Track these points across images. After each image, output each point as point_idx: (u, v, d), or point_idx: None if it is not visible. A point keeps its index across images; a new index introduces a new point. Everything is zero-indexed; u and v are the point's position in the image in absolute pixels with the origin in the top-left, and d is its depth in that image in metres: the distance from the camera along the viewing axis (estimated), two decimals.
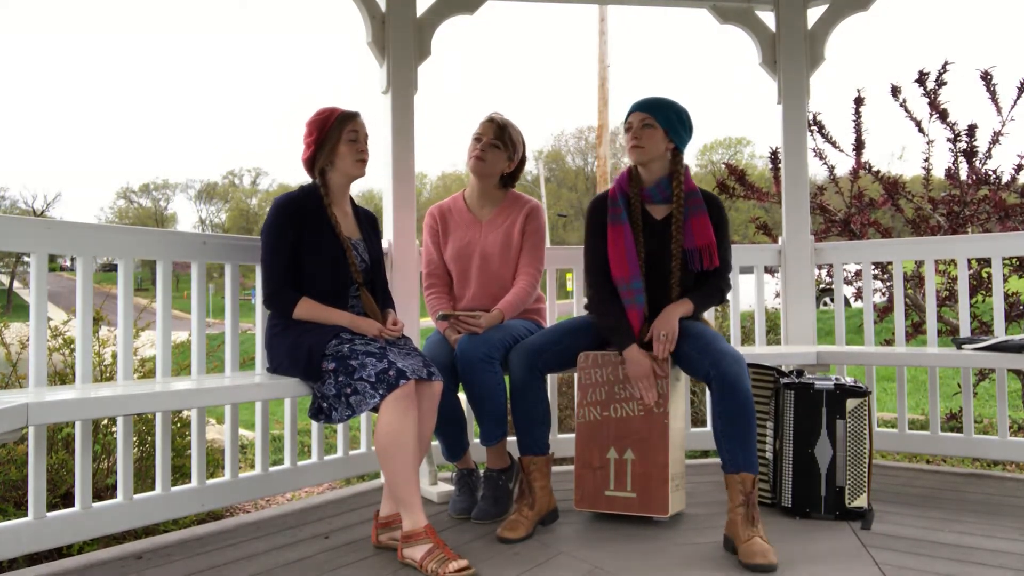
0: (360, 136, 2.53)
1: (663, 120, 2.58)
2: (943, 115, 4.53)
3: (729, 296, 3.74)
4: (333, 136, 2.49)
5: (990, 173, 4.53)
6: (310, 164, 2.55)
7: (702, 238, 2.57)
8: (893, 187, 4.73)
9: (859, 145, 4.80)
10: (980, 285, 4.31)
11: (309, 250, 2.46)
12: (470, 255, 2.91)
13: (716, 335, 2.52)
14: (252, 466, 2.87)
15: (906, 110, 4.66)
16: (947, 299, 4.48)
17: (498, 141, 2.86)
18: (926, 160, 4.74)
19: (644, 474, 2.56)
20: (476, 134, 2.89)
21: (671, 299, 2.58)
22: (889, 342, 3.87)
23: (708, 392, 2.50)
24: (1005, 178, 4.52)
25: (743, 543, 2.24)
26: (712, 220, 2.61)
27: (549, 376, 2.98)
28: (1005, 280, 4.08)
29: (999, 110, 4.44)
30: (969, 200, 4.51)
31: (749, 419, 2.36)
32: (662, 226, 2.63)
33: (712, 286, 2.63)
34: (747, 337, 4.44)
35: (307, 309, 2.44)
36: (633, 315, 2.56)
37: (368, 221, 2.71)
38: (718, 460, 2.42)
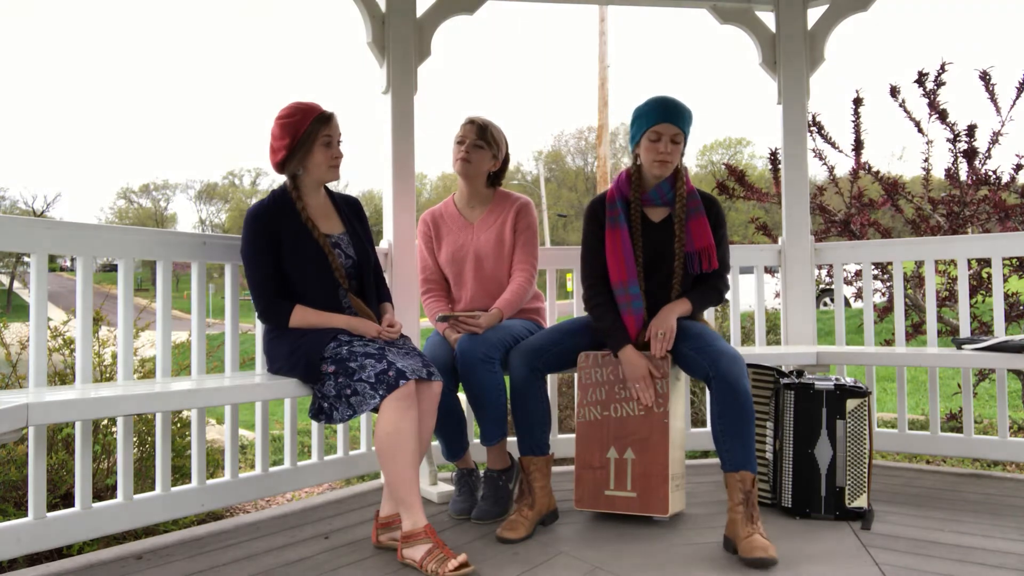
0: (334, 140, 2.45)
1: (687, 134, 2.57)
2: (942, 115, 4.53)
3: (729, 296, 3.75)
4: (307, 141, 2.41)
5: (990, 173, 4.53)
6: (280, 167, 2.47)
7: (701, 240, 2.57)
8: (893, 187, 4.73)
9: (858, 145, 4.80)
10: (980, 285, 4.31)
11: (290, 257, 2.43)
12: (464, 257, 2.91)
13: (714, 335, 2.52)
14: (252, 466, 2.87)
15: (905, 110, 4.66)
16: (947, 299, 4.48)
17: (481, 141, 2.86)
18: (926, 160, 4.74)
19: (644, 474, 2.56)
20: (458, 137, 2.89)
21: (670, 300, 2.58)
22: (889, 342, 3.87)
23: (707, 392, 2.50)
24: (1005, 178, 4.51)
25: (743, 540, 2.25)
26: (711, 222, 2.61)
27: (549, 376, 2.98)
28: (1005, 280, 4.08)
29: (998, 110, 4.44)
30: (969, 200, 4.51)
31: (748, 418, 2.37)
32: (660, 229, 2.62)
33: (710, 286, 2.63)
34: (747, 337, 4.44)
35: (302, 317, 2.42)
36: (630, 320, 2.56)
37: (351, 209, 2.63)
38: (718, 460, 2.43)
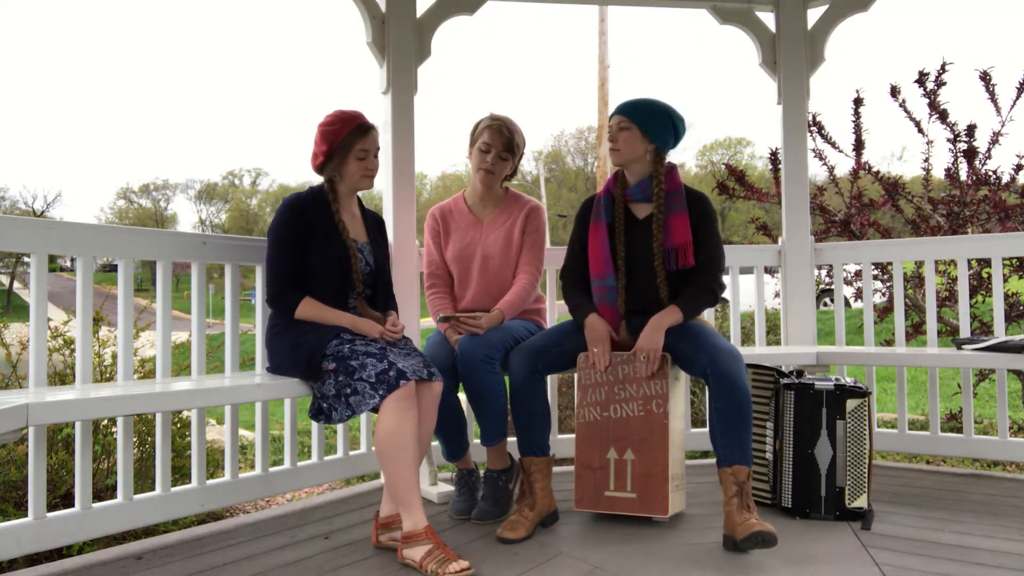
0: (370, 154, 2.51)
1: (640, 122, 2.58)
2: (943, 115, 4.53)
3: (729, 296, 3.75)
4: (343, 151, 2.48)
5: (990, 173, 4.53)
6: (318, 171, 2.56)
7: (680, 237, 2.57)
8: (893, 187, 4.73)
9: (859, 145, 4.80)
10: (980, 285, 4.31)
11: (314, 252, 2.47)
12: (471, 255, 2.91)
13: (713, 332, 2.53)
14: (252, 466, 2.87)
15: (906, 110, 4.66)
16: (947, 299, 4.48)
17: (507, 153, 2.86)
18: (926, 160, 4.74)
19: (644, 474, 2.56)
20: (484, 144, 2.86)
21: (659, 298, 2.58)
22: (889, 342, 3.87)
23: (706, 389, 2.50)
24: (1005, 178, 4.51)
25: (739, 525, 2.25)
26: (692, 218, 2.60)
27: (549, 376, 2.98)
28: (1005, 280, 4.08)
29: (998, 110, 4.44)
30: (969, 200, 4.51)
31: (746, 415, 2.37)
32: (643, 225, 2.64)
33: (701, 286, 2.57)
34: (747, 337, 4.44)
35: (309, 309, 2.44)
36: (605, 311, 2.61)
37: (375, 224, 2.71)
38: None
